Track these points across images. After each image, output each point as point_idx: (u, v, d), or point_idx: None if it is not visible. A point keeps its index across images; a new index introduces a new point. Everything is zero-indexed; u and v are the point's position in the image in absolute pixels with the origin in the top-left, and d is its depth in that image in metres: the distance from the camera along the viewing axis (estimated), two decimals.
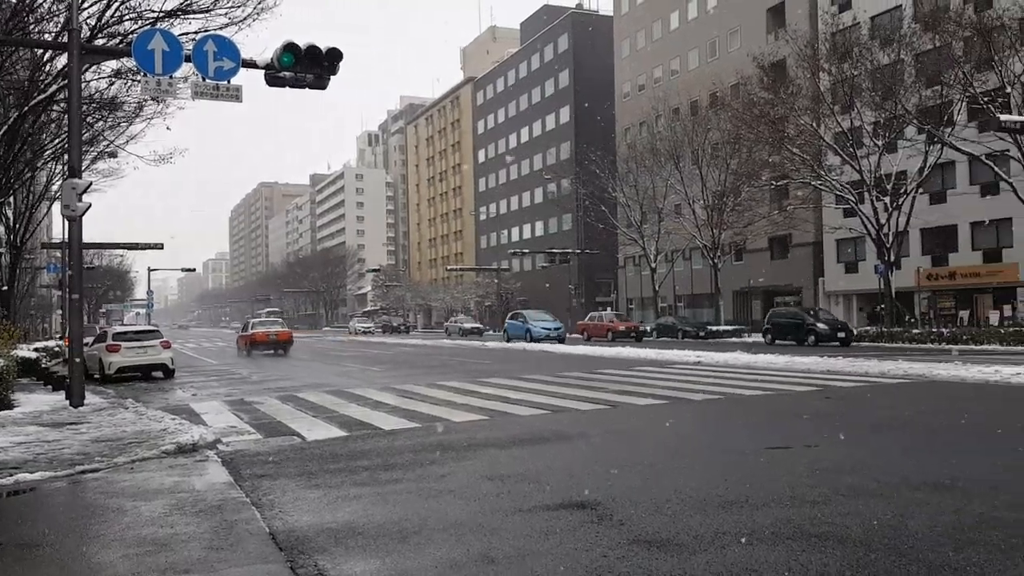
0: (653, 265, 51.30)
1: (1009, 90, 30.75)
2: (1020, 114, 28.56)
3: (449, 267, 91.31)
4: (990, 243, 39.84)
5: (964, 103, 33.81)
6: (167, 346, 21.98)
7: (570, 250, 63.00)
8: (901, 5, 42.27)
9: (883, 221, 35.72)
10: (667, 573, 4.36)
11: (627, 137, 63.79)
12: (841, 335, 32.55)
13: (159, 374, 21.66)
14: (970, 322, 39.40)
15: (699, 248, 48.44)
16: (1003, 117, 24.04)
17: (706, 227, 46.17)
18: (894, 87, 33.90)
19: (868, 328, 37.78)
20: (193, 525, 5.74)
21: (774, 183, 42.46)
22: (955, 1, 38.24)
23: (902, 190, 35.55)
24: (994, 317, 38.50)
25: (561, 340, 40.16)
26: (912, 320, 39.31)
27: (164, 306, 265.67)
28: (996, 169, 32.53)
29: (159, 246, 39.78)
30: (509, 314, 45.40)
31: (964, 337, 31.06)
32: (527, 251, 70.86)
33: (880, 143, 35.47)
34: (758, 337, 43.91)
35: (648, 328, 46.50)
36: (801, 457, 7.90)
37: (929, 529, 5.07)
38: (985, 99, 31.20)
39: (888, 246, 35.84)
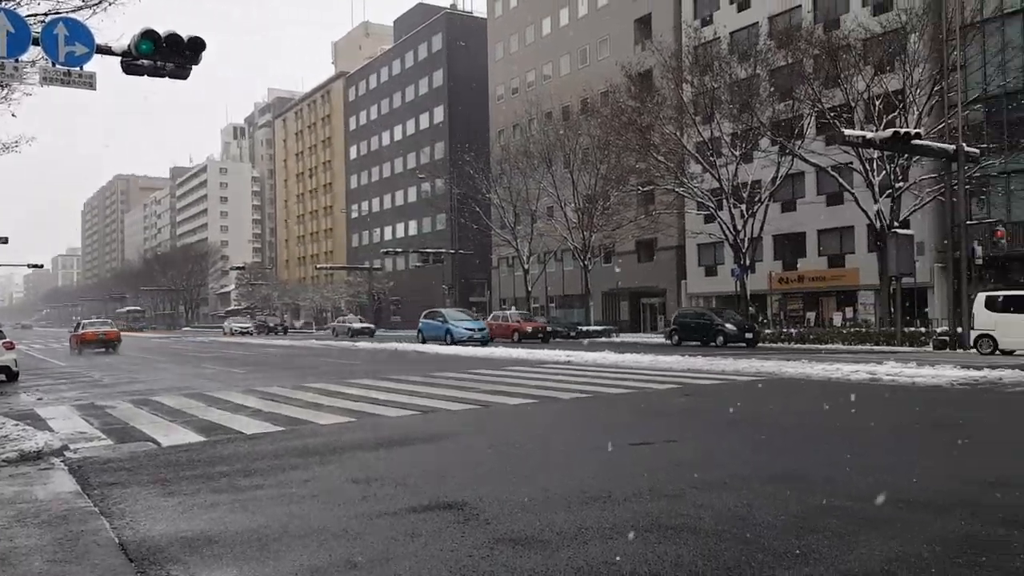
0: (526, 266, 51.99)
1: (853, 106, 33.03)
2: (862, 129, 30.71)
3: (319, 266, 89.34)
4: (834, 249, 42.65)
5: (813, 117, 35.95)
6: (10, 347, 20.50)
7: (444, 250, 62.96)
8: (758, 23, 44.61)
9: (740, 227, 37.59)
10: (530, 570, 4.44)
11: (501, 139, 64.38)
12: (748, 336, 32.17)
13: (1, 377, 20.21)
14: (816, 323, 42.05)
15: (570, 250, 49.46)
16: (847, 132, 25.69)
17: (577, 230, 47.20)
18: (750, 100, 35.75)
19: None
20: (35, 537, 5.38)
21: (641, 188, 43.91)
22: (807, 21, 40.77)
23: (757, 198, 37.52)
24: (837, 318, 41.31)
25: (485, 342, 36.19)
26: (765, 321, 41.56)
27: (8, 304, 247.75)
28: (840, 180, 34.87)
29: (3, 240, 37.18)
30: (424, 312, 41.63)
31: (811, 337, 33.08)
32: (400, 250, 70.27)
33: (737, 153, 37.31)
34: (626, 336, 45.27)
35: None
36: (661, 453, 8.23)
37: (774, 519, 5.38)
38: (832, 114, 33.36)
39: (744, 251, 37.74)
